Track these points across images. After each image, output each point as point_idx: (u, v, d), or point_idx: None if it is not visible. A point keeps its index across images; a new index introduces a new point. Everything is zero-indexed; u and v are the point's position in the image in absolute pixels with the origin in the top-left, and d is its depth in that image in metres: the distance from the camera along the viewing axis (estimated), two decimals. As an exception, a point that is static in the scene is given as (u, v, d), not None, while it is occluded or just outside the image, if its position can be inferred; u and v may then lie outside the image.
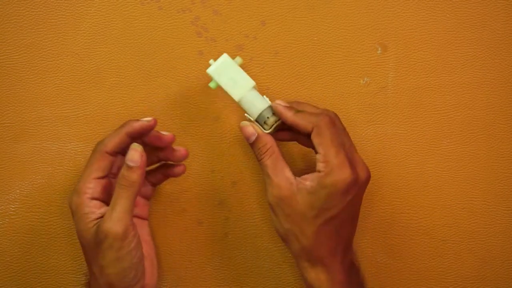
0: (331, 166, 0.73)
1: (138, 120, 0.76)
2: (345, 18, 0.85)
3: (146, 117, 0.77)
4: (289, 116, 0.76)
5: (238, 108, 0.82)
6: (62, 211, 0.84)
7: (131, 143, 0.75)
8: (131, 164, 0.72)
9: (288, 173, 0.75)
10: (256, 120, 0.78)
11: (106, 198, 0.76)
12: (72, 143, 0.84)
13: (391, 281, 0.86)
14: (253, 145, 0.77)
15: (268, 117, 0.77)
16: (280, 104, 0.77)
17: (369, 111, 0.85)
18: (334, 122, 0.76)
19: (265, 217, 0.85)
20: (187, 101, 0.85)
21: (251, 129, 0.77)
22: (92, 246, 0.73)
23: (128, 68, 0.85)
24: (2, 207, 0.84)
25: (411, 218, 0.86)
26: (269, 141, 0.77)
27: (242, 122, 0.77)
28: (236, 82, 0.78)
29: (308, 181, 0.74)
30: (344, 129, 0.77)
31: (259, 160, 0.77)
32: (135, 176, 0.72)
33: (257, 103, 0.78)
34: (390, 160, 0.85)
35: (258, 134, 0.77)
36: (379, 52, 0.85)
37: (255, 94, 0.78)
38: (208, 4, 0.84)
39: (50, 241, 0.85)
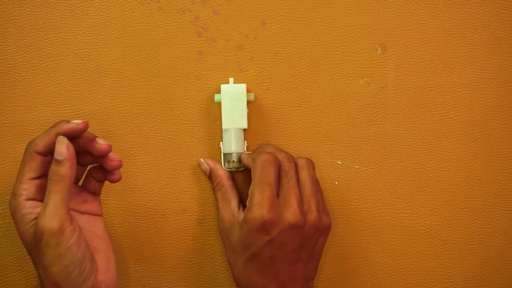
0: (251, 203, 0.76)
1: (68, 121, 0.74)
2: (345, 18, 0.85)
3: (75, 120, 0.75)
4: (242, 156, 0.81)
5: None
6: (62, 211, 0.84)
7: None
8: (58, 157, 0.71)
9: (233, 205, 0.80)
10: (224, 154, 0.83)
11: (42, 197, 0.74)
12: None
13: (391, 281, 0.86)
14: (209, 179, 0.84)
15: (233, 161, 0.82)
16: (245, 153, 0.82)
17: (369, 111, 0.85)
18: (272, 161, 0.77)
19: (265, 217, 0.85)
20: (187, 101, 0.85)
21: (205, 166, 0.83)
22: (33, 246, 0.72)
23: (128, 68, 0.85)
24: (3, 207, 0.84)
25: (411, 218, 0.86)
26: (219, 175, 0.82)
27: (199, 159, 0.84)
28: (233, 115, 0.82)
29: (242, 215, 0.77)
30: (294, 174, 0.79)
31: (213, 191, 0.83)
32: (64, 169, 0.71)
33: (234, 144, 0.82)
34: (390, 160, 0.85)
35: (210, 169, 0.83)
36: (379, 52, 0.85)
37: (239, 136, 0.82)
38: (208, 4, 0.84)
39: (50, 241, 0.85)
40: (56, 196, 0.71)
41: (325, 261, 0.86)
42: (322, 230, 0.79)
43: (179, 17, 0.84)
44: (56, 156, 0.71)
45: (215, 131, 0.85)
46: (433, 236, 0.86)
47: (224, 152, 0.82)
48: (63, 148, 0.71)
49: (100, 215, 0.80)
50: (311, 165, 0.81)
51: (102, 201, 0.83)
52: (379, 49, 0.85)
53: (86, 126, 0.74)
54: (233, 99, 0.82)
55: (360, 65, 0.85)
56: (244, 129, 0.83)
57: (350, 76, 0.85)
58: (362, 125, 0.85)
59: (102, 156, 0.76)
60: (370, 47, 0.85)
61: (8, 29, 0.84)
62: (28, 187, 0.73)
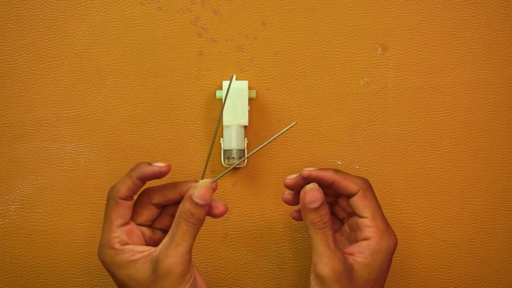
0: (381, 231, 0.72)
1: (150, 164, 0.72)
2: (345, 18, 0.85)
3: (158, 163, 0.73)
4: (331, 174, 0.73)
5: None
6: (62, 211, 0.84)
7: (143, 185, 0.73)
8: (200, 202, 0.70)
9: (337, 246, 0.71)
10: (224, 150, 0.82)
11: (135, 241, 0.73)
12: (72, 143, 0.84)
13: (391, 281, 0.86)
14: (313, 211, 0.71)
15: (234, 157, 0.82)
16: (312, 169, 0.74)
17: (369, 111, 0.85)
18: (372, 187, 0.74)
19: (265, 217, 0.85)
20: (187, 101, 0.85)
21: (317, 194, 0.71)
22: (148, 285, 0.70)
23: (128, 68, 0.85)
24: (2, 207, 0.84)
25: (411, 218, 0.86)
26: (328, 212, 0.72)
27: (307, 186, 0.72)
28: (235, 111, 0.82)
29: (358, 253, 0.72)
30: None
31: (316, 228, 0.71)
32: (203, 213, 0.70)
33: (235, 140, 0.82)
34: (390, 160, 0.85)
35: (323, 201, 0.71)
36: (379, 52, 0.85)
37: (240, 132, 0.82)
38: (208, 4, 0.84)
39: (50, 241, 0.85)
40: (189, 238, 0.70)
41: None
42: None
43: (179, 17, 0.84)
44: (198, 200, 0.70)
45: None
46: (433, 236, 0.86)
47: (225, 149, 0.82)
48: (208, 194, 0.70)
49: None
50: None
51: (102, 201, 0.83)
52: (379, 49, 0.85)
53: (169, 169, 0.73)
54: (235, 94, 0.82)
55: (360, 65, 0.85)
56: (245, 126, 0.83)
57: (350, 76, 0.85)
58: (362, 125, 0.85)
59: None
60: (370, 47, 0.85)
61: (8, 29, 0.84)
62: (119, 235, 0.72)
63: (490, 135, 0.86)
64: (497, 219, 0.86)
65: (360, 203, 0.73)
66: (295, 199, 0.76)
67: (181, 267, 0.69)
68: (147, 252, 0.71)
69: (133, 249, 0.71)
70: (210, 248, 0.85)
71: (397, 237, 0.85)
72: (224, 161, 0.83)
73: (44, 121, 0.84)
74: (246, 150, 0.83)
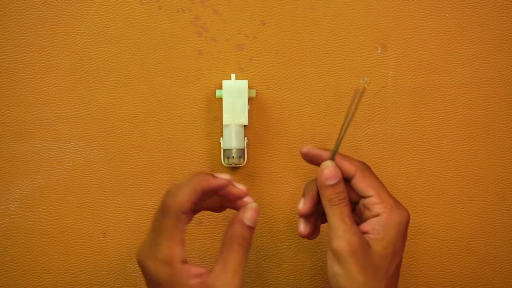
0: (390, 205, 0.72)
1: (214, 176, 0.70)
2: (345, 18, 0.85)
3: (221, 174, 0.72)
4: (328, 154, 0.74)
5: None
6: (62, 211, 0.84)
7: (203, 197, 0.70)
8: (251, 225, 0.69)
9: (353, 222, 0.72)
10: (224, 149, 0.82)
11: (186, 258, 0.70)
12: (72, 143, 0.84)
13: (391, 280, 0.86)
14: (330, 188, 0.72)
15: (233, 156, 0.82)
16: (311, 147, 0.75)
17: (369, 110, 0.85)
18: (371, 169, 0.75)
19: (265, 217, 0.85)
20: (187, 101, 0.85)
21: (333, 171, 0.72)
22: None
23: (128, 68, 0.85)
24: (2, 206, 0.84)
25: (411, 218, 0.85)
26: (345, 190, 0.73)
27: (323, 163, 0.73)
28: (234, 110, 0.82)
29: (370, 230, 0.71)
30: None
31: (332, 205, 0.72)
32: (252, 235, 0.70)
33: (235, 140, 0.82)
34: (390, 159, 0.85)
35: (339, 178, 0.72)
36: (379, 51, 0.85)
37: (240, 131, 0.82)
38: (208, 3, 0.84)
39: (50, 241, 0.85)
40: (245, 264, 0.69)
41: (325, 260, 0.85)
42: None
43: (179, 17, 0.84)
44: (249, 222, 0.69)
45: (215, 131, 0.85)
46: (433, 236, 0.86)
47: (224, 148, 0.82)
48: (256, 215, 0.70)
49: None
50: None
51: (102, 201, 0.83)
52: (379, 48, 0.85)
53: (230, 183, 0.71)
54: (234, 94, 0.82)
55: (360, 65, 0.85)
56: (245, 126, 0.83)
57: (350, 76, 0.85)
58: (362, 124, 0.85)
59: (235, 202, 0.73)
60: (370, 47, 0.85)
61: (8, 29, 0.84)
62: (180, 252, 0.68)
63: (490, 134, 0.86)
64: (497, 218, 0.86)
65: (361, 184, 0.73)
66: (311, 231, 0.76)
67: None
68: (200, 279, 0.67)
69: (189, 270, 0.68)
70: (210, 247, 0.85)
71: (397, 236, 0.85)
72: (223, 161, 0.83)
73: (44, 121, 0.84)
74: (246, 150, 0.83)
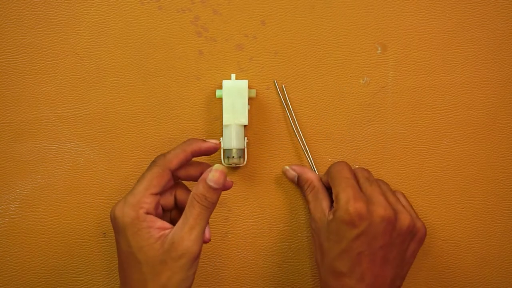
0: (338, 202, 0.76)
1: (204, 140, 0.76)
2: (345, 18, 0.85)
3: (211, 139, 0.77)
4: (321, 178, 0.83)
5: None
6: (62, 210, 0.84)
7: (189, 160, 0.75)
8: (215, 186, 0.71)
9: (324, 205, 0.80)
10: (224, 149, 0.82)
11: (157, 213, 0.73)
12: (72, 143, 0.84)
13: (391, 280, 0.86)
14: (297, 183, 0.83)
15: (233, 156, 0.82)
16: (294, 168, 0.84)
17: (369, 110, 0.85)
18: (346, 166, 0.79)
19: (265, 217, 0.85)
20: (187, 100, 0.85)
21: (291, 172, 0.83)
22: (156, 264, 0.70)
23: (128, 68, 0.85)
24: (2, 206, 0.84)
25: (411, 218, 0.86)
26: (309, 178, 0.82)
27: (284, 167, 0.85)
28: (234, 110, 0.82)
29: (330, 213, 0.77)
30: (375, 180, 0.81)
31: (304, 195, 0.83)
32: (216, 197, 0.72)
33: (234, 140, 0.82)
34: (389, 159, 0.85)
35: (298, 174, 0.83)
36: (378, 51, 0.85)
37: (240, 131, 0.82)
38: (208, 3, 0.84)
39: (50, 241, 0.85)
40: (203, 222, 0.71)
41: (325, 260, 0.86)
42: (415, 234, 0.79)
43: (179, 17, 0.84)
44: (212, 183, 0.71)
45: (215, 131, 0.85)
46: (433, 236, 0.86)
47: (224, 148, 0.82)
48: (222, 179, 0.71)
49: None
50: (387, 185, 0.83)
51: (102, 201, 0.83)
52: (379, 48, 0.85)
53: (219, 146, 0.76)
54: (234, 94, 0.82)
55: (360, 65, 0.85)
56: (245, 126, 0.83)
57: (350, 76, 0.85)
58: (362, 124, 0.85)
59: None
60: (370, 47, 0.85)
61: (8, 29, 0.84)
62: (150, 202, 0.72)
63: (490, 134, 0.86)
64: (497, 218, 0.86)
65: (329, 181, 0.80)
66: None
67: (195, 251, 0.70)
68: (163, 232, 0.71)
69: (154, 222, 0.71)
70: (210, 247, 0.85)
71: (397, 236, 0.84)
72: (223, 161, 0.83)
73: (44, 121, 0.84)
74: (246, 150, 0.83)
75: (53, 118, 0.84)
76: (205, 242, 0.73)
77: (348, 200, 0.75)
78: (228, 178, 0.75)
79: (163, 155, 0.74)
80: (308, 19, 0.85)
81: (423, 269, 0.86)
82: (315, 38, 0.85)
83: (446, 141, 0.86)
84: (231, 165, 0.82)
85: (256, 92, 0.84)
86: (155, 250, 0.70)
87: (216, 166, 0.72)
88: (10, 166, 0.84)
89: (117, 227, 0.72)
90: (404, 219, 0.77)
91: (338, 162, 0.80)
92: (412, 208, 0.82)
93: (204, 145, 0.75)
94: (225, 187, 0.75)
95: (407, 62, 0.85)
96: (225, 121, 0.82)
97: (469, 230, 0.86)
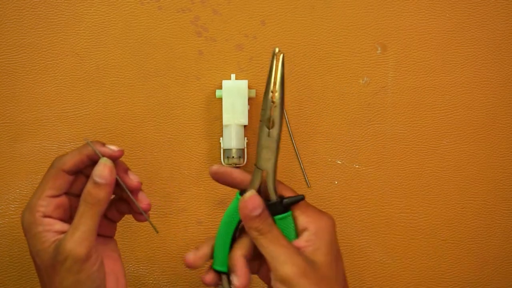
0: (314, 216, 0.69)
1: (104, 144, 0.69)
2: (345, 18, 0.85)
3: (111, 145, 0.69)
4: (237, 173, 0.71)
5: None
6: (62, 211, 0.84)
7: (91, 165, 0.68)
8: (99, 180, 0.66)
9: (289, 242, 0.68)
10: (224, 149, 0.82)
11: (61, 216, 0.69)
12: (71, 143, 0.84)
13: (391, 280, 0.86)
14: (257, 218, 0.67)
15: (233, 156, 0.82)
16: (219, 166, 0.71)
17: (369, 110, 0.85)
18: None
19: (265, 216, 0.85)
20: (187, 101, 0.85)
21: (258, 200, 0.67)
22: (49, 268, 0.67)
23: (128, 68, 0.85)
24: (2, 206, 0.84)
25: (411, 218, 0.86)
26: (269, 215, 0.68)
27: (245, 194, 0.68)
28: (234, 110, 0.82)
29: (305, 244, 0.68)
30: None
31: (263, 233, 0.67)
32: (102, 193, 0.66)
33: (235, 140, 0.82)
34: (389, 159, 0.85)
35: (263, 206, 0.68)
36: (378, 51, 0.85)
37: (240, 131, 0.82)
38: (208, 3, 0.84)
39: (50, 241, 0.85)
40: (88, 221, 0.66)
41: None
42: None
43: (179, 17, 0.85)
44: (97, 178, 0.66)
45: (215, 131, 0.85)
46: (433, 236, 0.86)
47: (224, 148, 0.82)
48: (106, 171, 0.66)
49: (112, 237, 0.74)
50: None
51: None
52: (379, 48, 0.85)
53: (121, 154, 0.69)
54: (234, 94, 0.82)
55: (360, 65, 0.85)
56: (245, 126, 0.83)
57: (350, 76, 0.85)
58: (362, 124, 0.85)
59: (132, 191, 0.70)
60: (370, 47, 0.85)
61: (8, 29, 0.84)
62: (46, 204, 0.67)
63: (490, 134, 0.86)
64: (497, 218, 0.86)
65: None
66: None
67: (78, 252, 0.65)
68: (60, 235, 0.67)
69: (52, 225, 0.67)
70: (210, 247, 0.85)
71: (397, 236, 0.85)
72: (223, 161, 0.83)
73: (44, 121, 0.84)
74: (246, 150, 0.83)
75: (53, 118, 0.84)
76: (145, 210, 0.69)
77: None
78: (147, 198, 0.70)
79: (60, 156, 0.69)
80: (308, 19, 0.85)
81: (423, 269, 0.86)
82: (315, 38, 0.85)
83: (446, 141, 0.86)
84: (231, 165, 0.82)
85: (256, 92, 0.84)
86: (48, 254, 0.66)
87: (102, 160, 0.67)
88: (10, 166, 0.84)
89: (23, 231, 0.69)
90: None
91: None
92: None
93: (101, 149, 0.68)
94: (144, 207, 0.70)
95: (407, 62, 0.85)
96: (225, 121, 0.82)
97: (469, 230, 0.86)
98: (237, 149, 0.82)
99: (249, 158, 0.85)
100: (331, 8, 0.85)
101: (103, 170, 0.66)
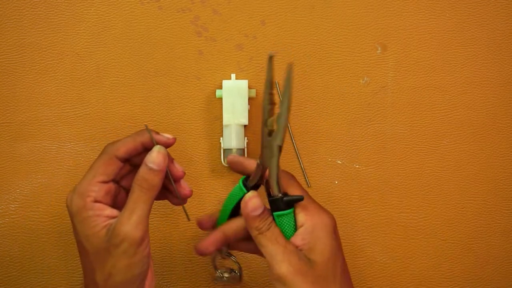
0: (312, 212, 0.70)
1: (157, 132, 0.72)
2: (345, 18, 0.85)
3: (165, 133, 0.73)
4: (251, 163, 0.74)
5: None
6: (62, 211, 0.84)
7: (143, 152, 0.71)
8: (154, 167, 0.68)
9: (287, 241, 0.70)
10: (224, 149, 0.82)
11: (108, 201, 0.71)
12: (71, 143, 0.84)
13: (391, 280, 0.86)
14: (257, 218, 0.70)
15: None
16: (235, 155, 0.77)
17: (369, 110, 0.85)
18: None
19: (265, 216, 0.85)
20: (187, 100, 0.85)
21: (258, 202, 0.71)
22: (101, 251, 0.68)
23: (128, 67, 0.85)
24: (3, 206, 0.84)
25: (411, 218, 0.86)
26: (269, 215, 0.71)
27: (246, 195, 0.71)
28: (235, 110, 0.82)
29: (300, 241, 0.70)
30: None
31: (262, 233, 0.70)
32: (157, 179, 0.69)
33: (235, 140, 0.82)
34: (389, 159, 0.85)
35: (264, 206, 0.71)
36: (378, 51, 0.85)
37: (240, 131, 0.82)
38: (208, 3, 0.84)
39: (50, 240, 0.85)
40: (143, 205, 0.68)
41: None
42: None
43: (179, 17, 0.85)
44: (151, 165, 0.68)
45: (215, 131, 0.85)
46: (433, 235, 0.86)
47: (224, 148, 0.82)
48: (160, 158, 0.69)
49: None
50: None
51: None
52: (379, 48, 0.85)
53: (174, 141, 0.72)
54: (234, 94, 0.82)
55: (360, 65, 0.85)
56: (245, 126, 0.83)
57: (350, 76, 0.85)
58: (362, 124, 0.85)
59: (175, 180, 0.73)
60: (370, 47, 0.85)
61: (8, 29, 0.84)
62: (98, 190, 0.69)
63: (490, 134, 0.86)
64: (497, 218, 0.86)
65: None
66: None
67: (135, 235, 0.67)
68: (111, 220, 0.69)
69: (102, 210, 0.69)
70: (210, 247, 0.85)
71: (397, 236, 0.85)
72: (223, 161, 0.83)
73: (44, 120, 0.84)
74: (246, 150, 0.83)
75: (53, 118, 0.84)
76: (187, 196, 0.72)
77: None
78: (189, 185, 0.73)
79: (112, 143, 0.71)
80: (308, 19, 0.85)
81: (422, 268, 0.86)
82: (315, 38, 0.85)
83: (446, 141, 0.86)
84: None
85: (256, 92, 0.84)
86: (99, 238, 0.68)
87: (156, 147, 0.70)
88: (10, 166, 0.84)
89: (70, 216, 0.70)
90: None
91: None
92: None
93: (156, 137, 0.71)
94: (184, 193, 0.73)
95: (407, 62, 0.85)
96: (225, 121, 0.82)
97: (469, 229, 0.86)
98: (237, 149, 0.82)
99: (249, 157, 0.85)
100: (331, 8, 0.85)
101: (157, 157, 0.69)
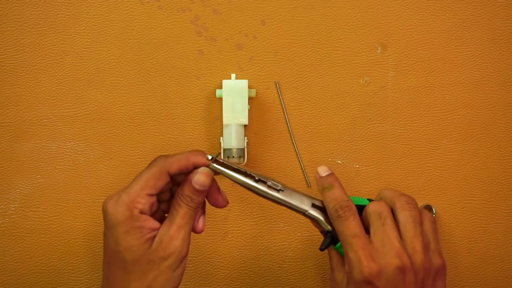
0: (348, 263, 0.71)
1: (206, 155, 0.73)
2: (345, 17, 0.85)
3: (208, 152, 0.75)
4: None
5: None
6: (61, 210, 0.84)
7: (191, 171, 0.72)
8: (200, 188, 0.71)
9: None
10: (224, 149, 0.82)
11: (149, 212, 0.71)
12: (71, 143, 0.84)
13: (391, 280, 0.86)
14: (329, 177, 0.74)
15: (233, 156, 0.82)
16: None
17: (369, 110, 0.85)
18: (348, 209, 0.73)
19: (265, 217, 0.85)
20: (187, 100, 0.85)
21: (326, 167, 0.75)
22: (142, 263, 0.69)
23: (128, 67, 0.85)
24: (2, 206, 0.84)
25: (411, 217, 0.86)
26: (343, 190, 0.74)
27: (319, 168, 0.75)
28: (234, 110, 0.82)
29: (344, 277, 0.73)
30: (389, 215, 0.73)
31: (336, 217, 0.72)
32: (202, 198, 0.72)
33: (235, 139, 0.82)
34: (389, 159, 0.85)
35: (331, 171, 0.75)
36: (378, 51, 0.85)
37: (240, 131, 0.82)
38: (208, 3, 0.84)
39: (50, 240, 0.85)
40: (190, 221, 0.71)
41: (325, 260, 0.85)
42: (435, 272, 0.72)
43: (179, 17, 0.85)
44: (197, 185, 0.71)
45: (215, 131, 0.85)
46: (433, 236, 0.86)
47: (224, 148, 0.82)
48: (207, 181, 0.71)
49: None
50: (413, 204, 0.73)
51: (102, 201, 0.83)
52: (379, 48, 0.85)
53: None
54: (234, 93, 0.82)
55: (360, 65, 0.85)
56: (245, 126, 0.83)
57: (350, 76, 0.85)
58: (362, 124, 0.85)
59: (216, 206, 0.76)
60: (370, 47, 0.85)
61: (8, 29, 0.84)
62: (145, 202, 0.70)
63: (490, 134, 0.86)
64: (497, 218, 0.86)
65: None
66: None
67: (183, 250, 0.70)
68: (154, 232, 0.70)
69: (146, 221, 0.70)
70: (210, 247, 0.85)
71: (397, 236, 0.84)
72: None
73: (44, 120, 0.84)
74: (246, 150, 0.83)
75: (53, 118, 0.84)
76: (198, 232, 0.73)
77: (359, 261, 0.69)
78: (225, 195, 0.75)
79: (165, 156, 0.72)
80: (308, 19, 0.85)
81: (423, 269, 0.86)
82: (315, 38, 0.85)
83: (446, 140, 0.86)
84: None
85: (256, 92, 0.84)
86: (143, 249, 0.69)
87: (202, 169, 0.72)
88: (10, 166, 0.84)
89: (108, 223, 0.70)
90: (419, 262, 0.70)
91: (339, 204, 0.73)
92: (435, 235, 0.74)
93: (207, 162, 0.72)
94: (221, 204, 0.75)
95: (407, 62, 0.85)
96: (225, 121, 0.82)
97: (468, 229, 0.86)
98: (237, 148, 0.82)
99: (249, 157, 0.85)
100: (331, 8, 0.85)
101: (205, 180, 0.71)
